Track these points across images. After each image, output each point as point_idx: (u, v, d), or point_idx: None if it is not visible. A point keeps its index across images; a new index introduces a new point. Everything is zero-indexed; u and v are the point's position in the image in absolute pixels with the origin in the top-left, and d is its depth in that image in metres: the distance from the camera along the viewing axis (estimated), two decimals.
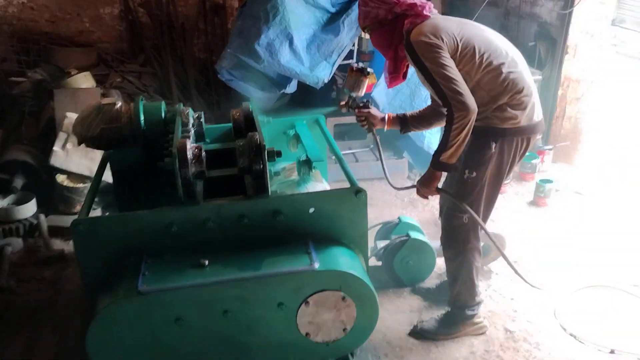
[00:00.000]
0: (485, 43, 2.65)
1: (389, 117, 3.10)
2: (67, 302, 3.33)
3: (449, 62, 2.56)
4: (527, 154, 4.80)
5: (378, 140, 3.19)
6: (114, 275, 2.59)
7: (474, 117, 2.53)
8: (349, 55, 4.64)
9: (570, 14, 4.74)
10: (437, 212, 4.36)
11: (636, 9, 4.70)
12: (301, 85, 4.69)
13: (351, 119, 4.96)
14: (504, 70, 2.64)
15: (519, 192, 4.68)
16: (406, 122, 3.11)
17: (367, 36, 4.49)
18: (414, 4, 2.66)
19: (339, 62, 4.47)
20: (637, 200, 4.45)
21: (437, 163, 2.65)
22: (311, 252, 2.61)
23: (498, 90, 2.64)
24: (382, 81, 4.46)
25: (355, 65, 2.99)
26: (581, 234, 4.03)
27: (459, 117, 2.51)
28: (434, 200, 4.50)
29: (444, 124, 3.01)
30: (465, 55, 2.61)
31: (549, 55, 5.01)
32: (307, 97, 4.97)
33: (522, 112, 2.67)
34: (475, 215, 2.76)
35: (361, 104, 3.07)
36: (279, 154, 2.78)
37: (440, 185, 2.95)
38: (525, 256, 3.78)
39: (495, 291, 3.43)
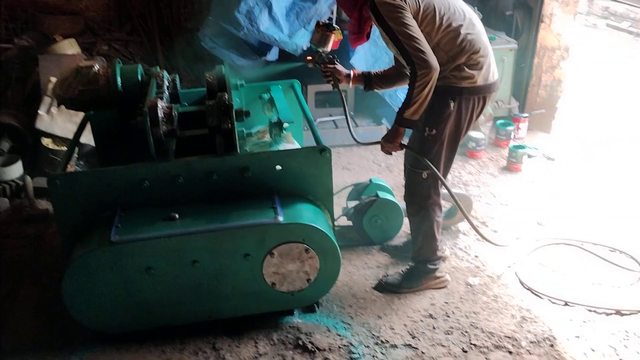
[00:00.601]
0: (445, 5, 2.76)
1: (354, 74, 3.20)
2: (49, 257, 3.47)
3: (412, 22, 2.65)
4: (502, 121, 4.99)
5: (343, 96, 3.28)
6: (89, 228, 2.74)
7: (436, 74, 2.63)
8: None
9: None
10: None
11: None
12: (285, 54, 4.78)
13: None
14: (462, 31, 2.75)
15: (493, 158, 4.80)
16: (370, 81, 3.21)
17: None
18: None
19: None
20: (606, 167, 4.60)
21: (400, 119, 2.77)
22: (276, 207, 2.76)
23: (456, 50, 2.75)
24: (361, 48, 4.58)
25: (322, 20, 3.07)
26: (549, 198, 4.17)
27: (422, 75, 2.62)
28: None
29: (406, 84, 3.14)
30: (427, 16, 2.72)
31: (525, 24, 5.10)
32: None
33: (478, 72, 2.79)
34: (435, 169, 2.89)
35: (327, 60, 3.14)
36: (247, 114, 2.91)
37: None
38: (494, 217, 3.93)
39: (460, 249, 3.57)
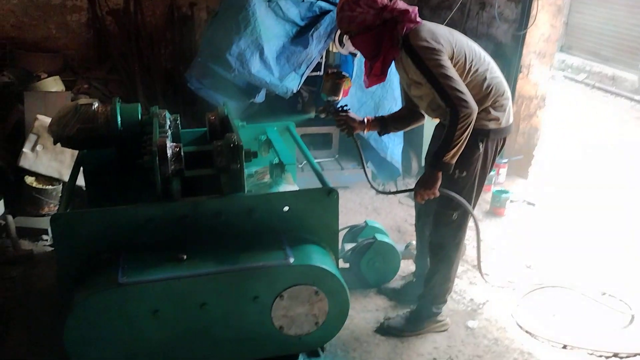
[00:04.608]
0: (471, 50, 2.83)
1: (368, 120, 3.18)
2: (36, 300, 3.33)
3: (450, 65, 2.70)
4: None
5: (359, 144, 3.26)
6: (91, 269, 2.64)
7: (475, 115, 2.66)
8: (317, 67, 4.79)
9: (524, 35, 5.03)
10: (399, 219, 4.57)
11: (582, 36, 5.03)
12: (268, 96, 4.82)
13: (317, 129, 5.14)
14: (488, 75, 2.82)
15: (477, 203, 4.88)
16: (385, 124, 3.21)
17: (336, 50, 4.70)
18: (407, 11, 2.76)
19: (308, 73, 4.62)
20: (581, 211, 4.75)
21: (439, 163, 2.76)
22: (285, 248, 2.73)
23: (483, 94, 2.82)
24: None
25: (331, 69, 3.09)
26: (534, 241, 4.27)
27: (464, 117, 2.63)
28: (397, 208, 4.70)
29: (420, 124, 3.19)
30: (459, 61, 2.76)
31: (504, 74, 5.27)
32: (274, 107, 5.10)
33: (502, 114, 2.88)
34: (471, 209, 2.97)
35: (339, 109, 3.14)
36: (254, 154, 2.90)
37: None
38: (484, 261, 3.97)
39: (455, 292, 3.59)
